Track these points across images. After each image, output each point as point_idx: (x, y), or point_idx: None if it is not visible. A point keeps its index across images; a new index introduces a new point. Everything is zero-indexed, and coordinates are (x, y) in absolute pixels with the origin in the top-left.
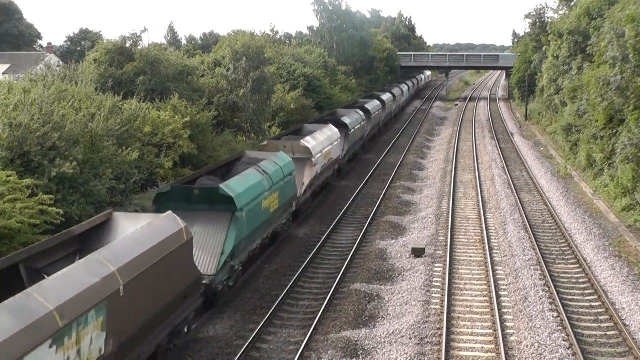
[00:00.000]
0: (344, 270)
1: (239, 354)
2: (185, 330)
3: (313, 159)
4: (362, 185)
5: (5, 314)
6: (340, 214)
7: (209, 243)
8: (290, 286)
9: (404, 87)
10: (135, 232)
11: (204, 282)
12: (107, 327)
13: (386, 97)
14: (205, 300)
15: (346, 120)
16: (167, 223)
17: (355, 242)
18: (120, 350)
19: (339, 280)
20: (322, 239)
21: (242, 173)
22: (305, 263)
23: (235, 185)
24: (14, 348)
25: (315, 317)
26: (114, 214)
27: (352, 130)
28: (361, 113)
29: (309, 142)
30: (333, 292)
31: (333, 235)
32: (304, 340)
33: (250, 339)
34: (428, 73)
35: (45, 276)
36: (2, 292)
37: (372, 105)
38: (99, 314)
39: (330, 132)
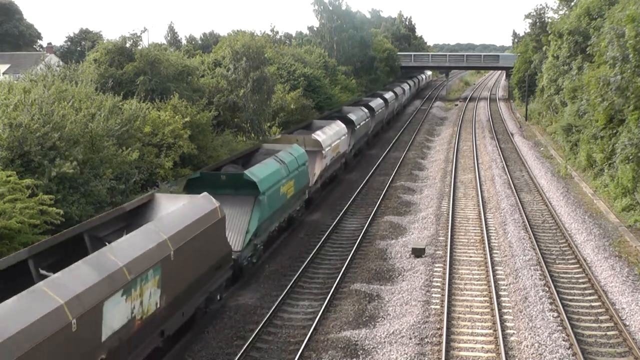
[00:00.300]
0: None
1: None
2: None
3: (323, 152)
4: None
5: (87, 267)
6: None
7: (234, 223)
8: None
9: (405, 86)
10: (179, 208)
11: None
12: (161, 285)
13: (389, 95)
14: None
15: (352, 116)
16: (204, 202)
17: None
18: (170, 306)
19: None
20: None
21: (262, 162)
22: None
23: (257, 172)
24: (97, 294)
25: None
26: (156, 194)
27: (358, 127)
28: (365, 110)
29: (319, 135)
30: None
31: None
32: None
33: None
34: (429, 73)
35: (107, 243)
36: (70, 257)
37: (376, 103)
38: (155, 273)
39: (338, 127)
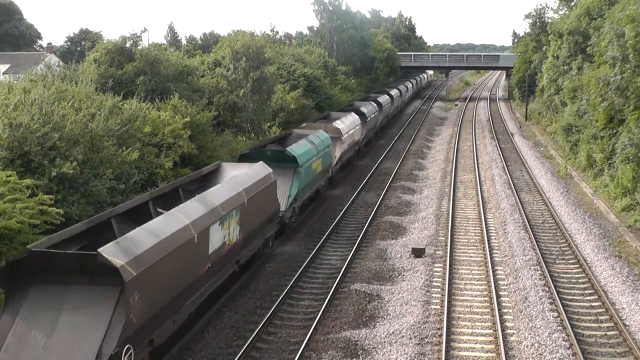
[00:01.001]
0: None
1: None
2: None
3: (342, 138)
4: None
5: (198, 203)
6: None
7: (279, 190)
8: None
9: (408, 85)
10: (244, 171)
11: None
12: (240, 223)
13: (394, 92)
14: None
15: (364, 110)
16: (261, 168)
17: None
18: (244, 241)
19: (370, 220)
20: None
21: (297, 142)
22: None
23: (296, 149)
24: (206, 221)
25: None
26: (222, 163)
27: (369, 119)
28: (374, 105)
29: (339, 124)
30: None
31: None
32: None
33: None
34: (430, 72)
35: (196, 194)
36: (170, 205)
37: (383, 99)
38: (237, 213)
39: (352, 118)
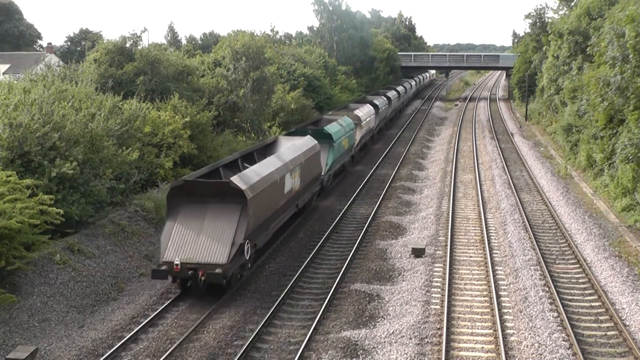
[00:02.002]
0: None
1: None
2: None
3: (361, 124)
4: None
5: (276, 159)
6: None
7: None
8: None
9: (412, 82)
10: (299, 142)
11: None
12: (300, 177)
13: (400, 88)
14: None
15: (376, 102)
16: (310, 140)
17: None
18: (301, 190)
19: (388, 184)
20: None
21: (330, 124)
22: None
23: (331, 128)
24: (282, 170)
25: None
26: (279, 137)
27: (381, 110)
28: (385, 99)
29: (358, 112)
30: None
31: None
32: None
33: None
34: (432, 71)
35: (266, 157)
36: (249, 163)
37: (392, 94)
38: (298, 169)
39: (368, 109)
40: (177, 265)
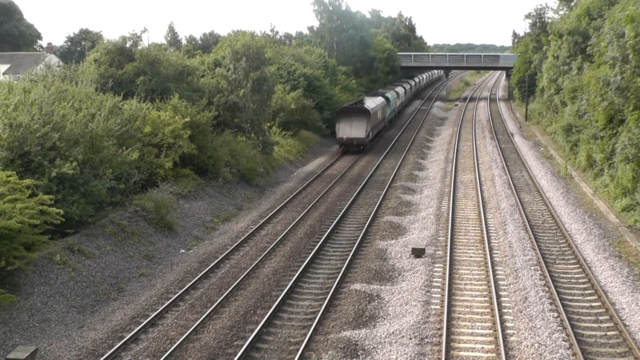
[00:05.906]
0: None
1: (397, 135)
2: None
3: (397, 99)
4: (400, 134)
5: (379, 96)
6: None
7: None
8: (394, 141)
9: (417, 79)
10: (379, 98)
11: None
12: (383, 112)
13: (407, 85)
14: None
15: (388, 95)
16: (382, 98)
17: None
18: (384, 119)
19: (407, 149)
20: (399, 134)
21: (388, 92)
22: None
23: (387, 94)
24: (382, 104)
25: (408, 146)
26: (364, 96)
27: (391, 102)
28: (394, 92)
29: (369, 104)
30: (412, 143)
31: (402, 134)
32: (407, 146)
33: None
34: (435, 71)
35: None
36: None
37: (400, 89)
38: (384, 106)
39: (382, 99)
40: (345, 138)
